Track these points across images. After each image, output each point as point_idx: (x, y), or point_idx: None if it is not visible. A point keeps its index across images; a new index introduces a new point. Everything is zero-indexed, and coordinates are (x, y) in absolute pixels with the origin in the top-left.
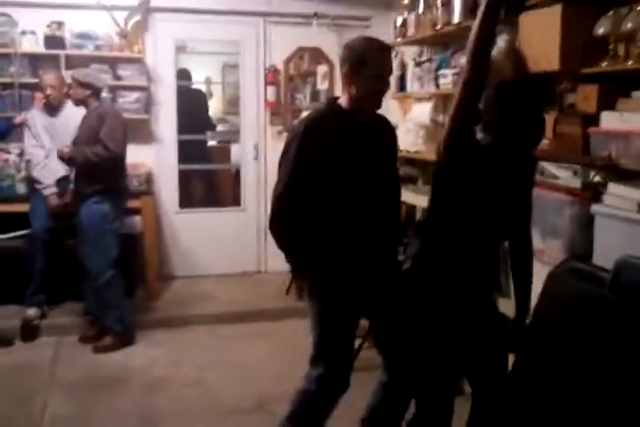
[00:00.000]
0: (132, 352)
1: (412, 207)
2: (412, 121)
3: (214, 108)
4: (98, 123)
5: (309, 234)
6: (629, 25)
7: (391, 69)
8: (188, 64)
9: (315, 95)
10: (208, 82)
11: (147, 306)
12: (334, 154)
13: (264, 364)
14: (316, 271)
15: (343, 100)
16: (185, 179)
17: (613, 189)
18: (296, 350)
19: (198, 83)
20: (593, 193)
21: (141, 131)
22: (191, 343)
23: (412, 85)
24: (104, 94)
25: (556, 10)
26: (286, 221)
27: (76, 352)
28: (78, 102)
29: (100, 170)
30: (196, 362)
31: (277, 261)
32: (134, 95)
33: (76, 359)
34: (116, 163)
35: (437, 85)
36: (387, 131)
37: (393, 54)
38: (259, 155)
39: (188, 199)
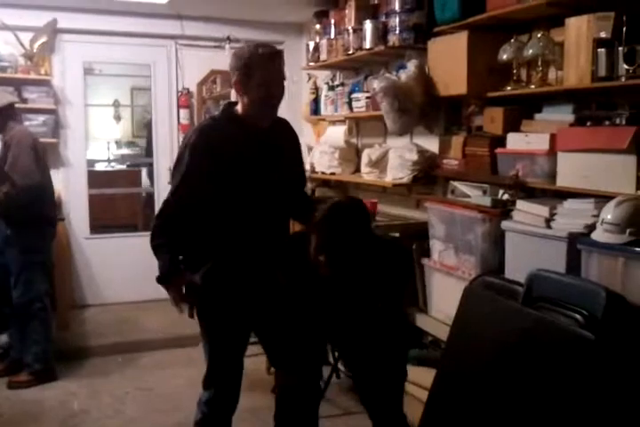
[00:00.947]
0: (46, 386)
1: None
2: (327, 143)
3: (124, 130)
4: (3, 153)
5: (193, 243)
6: (530, 51)
7: (280, 76)
8: (97, 87)
9: None
10: (116, 104)
11: (60, 336)
12: (228, 160)
13: (187, 391)
14: (199, 288)
15: (239, 107)
16: (95, 203)
17: (521, 205)
18: None
19: (106, 105)
20: (502, 210)
21: (50, 155)
22: (109, 374)
23: (325, 108)
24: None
25: (462, 37)
26: (169, 229)
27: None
28: None
29: (17, 205)
30: (115, 393)
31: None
32: (41, 118)
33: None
34: (34, 193)
35: (351, 108)
36: (287, 135)
37: (305, 77)
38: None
39: (98, 225)
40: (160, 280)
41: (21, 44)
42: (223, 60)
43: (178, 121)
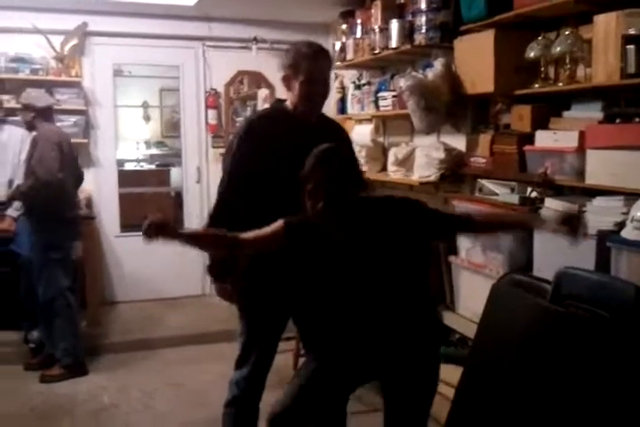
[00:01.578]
0: (77, 380)
1: None
2: (354, 142)
3: (153, 131)
4: (31, 149)
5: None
6: (558, 49)
7: (323, 74)
8: (126, 88)
9: None
10: (145, 105)
11: (90, 332)
12: (276, 152)
13: (216, 386)
14: (245, 281)
15: (288, 103)
16: (125, 203)
17: (550, 203)
18: None
19: (135, 106)
20: (530, 208)
21: (81, 155)
22: (139, 369)
23: (352, 107)
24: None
25: (489, 35)
26: (221, 219)
27: (18, 382)
28: (27, 126)
29: (37, 199)
30: (144, 388)
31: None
32: (72, 119)
33: (18, 389)
34: (54, 189)
35: (377, 107)
36: (337, 134)
37: (332, 76)
38: (201, 178)
39: (128, 223)
40: (210, 270)
41: (52, 47)
42: (250, 60)
43: (206, 121)
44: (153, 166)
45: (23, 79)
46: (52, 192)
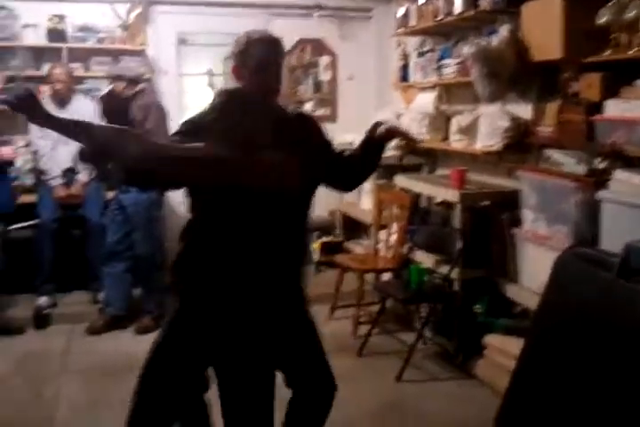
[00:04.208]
0: (145, 339)
1: (417, 196)
2: (417, 110)
3: None
4: (143, 115)
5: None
6: (631, 14)
7: (274, 65)
8: (190, 56)
9: (317, 86)
10: (210, 73)
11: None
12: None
13: None
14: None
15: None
16: None
17: (620, 175)
18: None
19: (200, 74)
20: (597, 179)
21: None
22: None
23: (415, 75)
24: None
25: None
26: None
27: (88, 340)
28: (119, 96)
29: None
30: None
31: None
32: (138, 87)
33: (87, 347)
34: None
35: (440, 75)
36: (301, 129)
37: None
38: None
39: None
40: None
41: (118, 16)
42: (312, 28)
43: None
44: None
45: (90, 48)
46: None
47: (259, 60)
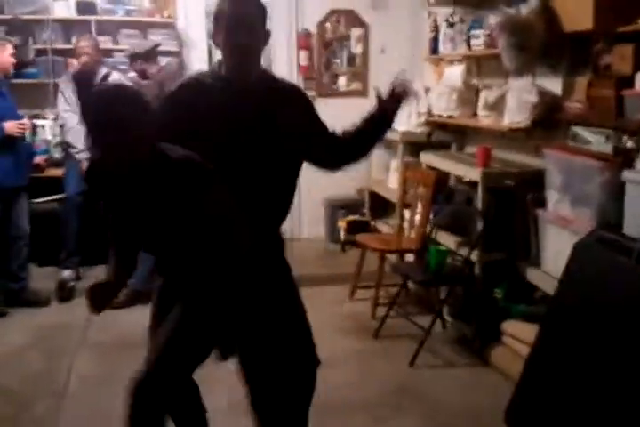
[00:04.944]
0: None
1: (446, 174)
2: (445, 84)
3: None
4: (159, 91)
5: None
6: None
7: (245, 22)
8: None
9: (352, 59)
10: None
11: None
12: (197, 123)
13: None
14: None
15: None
16: None
17: None
18: (318, 319)
19: None
20: (625, 159)
21: None
22: None
23: (444, 47)
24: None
25: None
26: None
27: (110, 314)
28: (141, 75)
29: None
30: None
31: (312, 228)
32: (166, 60)
33: (109, 321)
34: None
35: (469, 47)
36: (286, 98)
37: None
38: None
39: None
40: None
41: None
42: None
43: (297, 63)
44: None
45: (119, 20)
46: None
47: (228, 18)
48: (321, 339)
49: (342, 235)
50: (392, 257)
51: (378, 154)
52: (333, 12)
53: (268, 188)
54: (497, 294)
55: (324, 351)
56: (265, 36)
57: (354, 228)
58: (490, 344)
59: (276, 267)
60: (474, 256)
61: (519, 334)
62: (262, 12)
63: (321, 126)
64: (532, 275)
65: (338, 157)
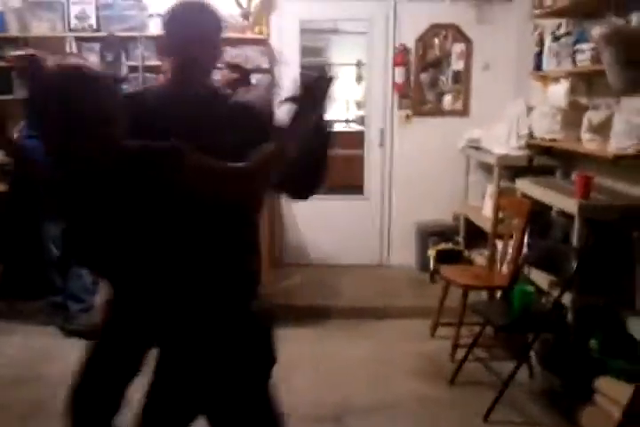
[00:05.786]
0: None
1: (544, 204)
2: (548, 104)
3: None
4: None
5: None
6: None
7: (200, 33)
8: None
9: (457, 76)
10: (359, 64)
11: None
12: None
13: (357, 368)
14: None
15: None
16: None
17: None
18: (394, 356)
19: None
20: None
21: None
22: (290, 335)
23: (548, 63)
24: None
25: None
26: None
27: None
28: (228, 86)
29: None
30: (287, 356)
31: (402, 254)
32: (257, 77)
33: None
34: None
35: (574, 62)
36: (226, 119)
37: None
38: (384, 141)
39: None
40: None
41: (239, 4)
42: (444, 12)
43: (393, 80)
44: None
45: None
46: None
47: (180, 30)
48: (389, 379)
49: (432, 264)
50: (480, 292)
51: (475, 177)
52: (434, 26)
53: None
54: (592, 344)
55: (389, 394)
56: (218, 49)
57: (444, 257)
58: (580, 402)
59: (237, 314)
60: (566, 299)
61: (615, 395)
62: (217, 23)
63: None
64: (635, 325)
65: (298, 183)
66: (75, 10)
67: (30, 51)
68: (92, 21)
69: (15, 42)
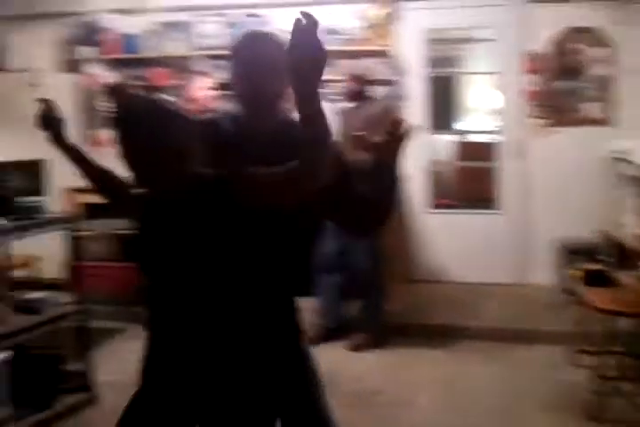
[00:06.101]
0: (355, 357)
1: None
2: None
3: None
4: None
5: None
6: None
7: (264, 66)
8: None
9: (598, 83)
10: (493, 73)
11: (387, 309)
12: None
13: (488, 394)
14: None
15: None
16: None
17: None
18: (529, 384)
19: (483, 73)
20: None
21: None
22: (416, 355)
23: None
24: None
25: None
26: None
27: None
28: (352, 97)
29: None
30: (417, 376)
31: (541, 273)
32: (382, 89)
33: None
34: None
35: None
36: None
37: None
38: (520, 152)
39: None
40: None
41: (362, 17)
42: (581, 15)
43: (525, 88)
44: (492, 138)
45: (333, 51)
46: None
47: (244, 62)
48: (522, 410)
49: (575, 284)
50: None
51: (622, 191)
52: (569, 30)
53: (269, 244)
54: None
55: None
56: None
57: (592, 279)
58: None
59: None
60: None
61: None
62: (282, 54)
63: (342, 182)
64: None
65: (361, 217)
66: (204, 29)
67: None
68: (221, 40)
69: (149, 62)
